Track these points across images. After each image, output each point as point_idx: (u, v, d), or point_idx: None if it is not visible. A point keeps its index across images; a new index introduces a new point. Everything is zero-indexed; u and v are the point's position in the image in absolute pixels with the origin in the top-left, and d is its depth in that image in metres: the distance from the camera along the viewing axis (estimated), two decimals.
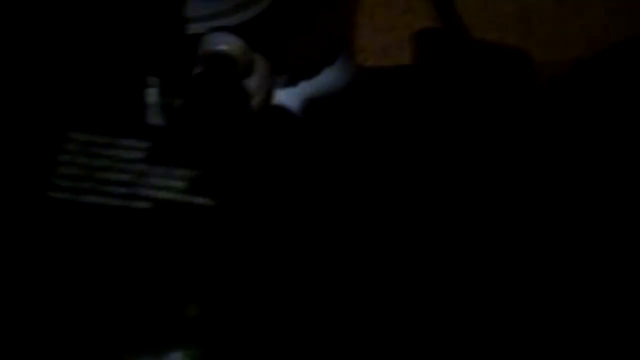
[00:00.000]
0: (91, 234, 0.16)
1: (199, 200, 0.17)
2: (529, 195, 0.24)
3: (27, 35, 0.18)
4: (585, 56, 0.33)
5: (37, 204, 0.16)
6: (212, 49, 0.24)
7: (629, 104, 0.28)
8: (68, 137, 0.17)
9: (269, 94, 0.27)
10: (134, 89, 0.20)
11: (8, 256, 0.16)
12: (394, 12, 0.41)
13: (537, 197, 0.24)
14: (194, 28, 0.32)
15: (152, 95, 0.32)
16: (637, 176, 0.26)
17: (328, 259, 0.17)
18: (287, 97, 0.37)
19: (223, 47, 0.24)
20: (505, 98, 0.27)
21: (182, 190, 0.17)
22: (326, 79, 0.36)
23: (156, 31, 0.27)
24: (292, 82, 0.36)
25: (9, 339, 0.15)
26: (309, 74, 0.36)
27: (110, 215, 0.16)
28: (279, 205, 0.18)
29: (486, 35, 0.39)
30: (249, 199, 0.18)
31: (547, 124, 0.27)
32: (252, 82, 0.26)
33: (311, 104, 0.36)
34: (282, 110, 0.33)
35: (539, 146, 0.26)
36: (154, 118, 0.31)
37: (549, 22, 0.41)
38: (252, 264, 0.17)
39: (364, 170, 0.21)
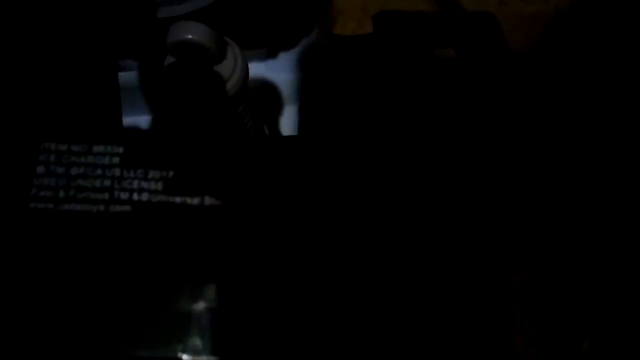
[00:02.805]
0: (74, 240, 0.17)
1: (177, 199, 0.17)
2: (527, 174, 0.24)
3: None
4: (564, 6, 0.32)
5: (18, 215, 0.17)
6: (179, 38, 0.24)
7: (611, 50, 0.28)
8: (42, 148, 0.17)
9: (243, 77, 0.26)
10: (104, 93, 0.20)
11: None
12: None
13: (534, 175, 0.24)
14: (165, 12, 0.31)
15: (124, 78, 0.32)
16: (628, 125, 0.26)
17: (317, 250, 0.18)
18: (267, 69, 0.36)
19: (189, 36, 0.24)
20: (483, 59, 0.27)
21: (160, 191, 0.17)
22: (305, 48, 0.35)
23: (125, 17, 0.27)
24: (271, 54, 0.36)
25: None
26: (288, 45, 0.35)
27: (92, 221, 0.17)
28: (259, 195, 0.18)
29: None
30: (230, 192, 0.18)
31: (533, 79, 0.27)
32: (225, 67, 0.26)
33: (291, 74, 0.35)
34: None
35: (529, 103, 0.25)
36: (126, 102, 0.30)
37: None
38: (240, 259, 0.17)
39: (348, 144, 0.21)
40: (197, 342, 0.16)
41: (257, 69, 0.33)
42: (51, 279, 0.16)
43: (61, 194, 0.17)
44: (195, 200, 0.17)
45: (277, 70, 0.35)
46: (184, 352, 0.16)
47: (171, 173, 0.18)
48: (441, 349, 0.18)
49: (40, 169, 0.17)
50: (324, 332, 0.17)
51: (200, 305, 0.16)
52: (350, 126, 0.26)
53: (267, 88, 0.35)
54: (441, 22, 0.25)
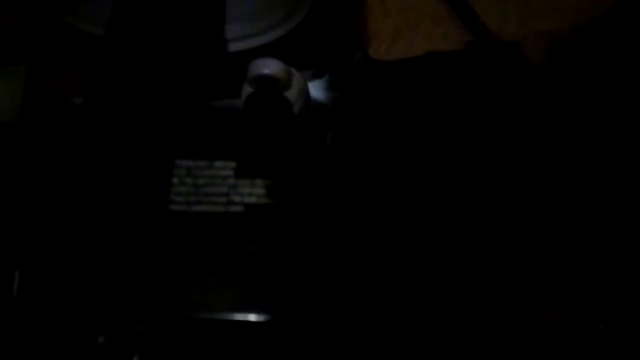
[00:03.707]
0: (203, 233, 0.23)
1: (277, 201, 0.23)
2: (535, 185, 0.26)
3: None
4: (581, 23, 0.34)
5: (161, 215, 0.23)
6: (258, 73, 0.30)
7: (625, 68, 0.30)
8: (177, 164, 0.23)
9: (306, 100, 0.32)
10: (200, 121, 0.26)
11: (142, 259, 0.22)
12: None
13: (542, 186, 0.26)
14: (235, 47, 0.37)
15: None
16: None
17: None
18: (313, 90, 0.41)
19: (267, 71, 0.29)
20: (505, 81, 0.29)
21: (263, 195, 0.23)
22: (349, 70, 0.40)
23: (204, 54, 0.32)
24: (317, 76, 0.41)
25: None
26: (333, 67, 0.40)
27: (215, 219, 0.23)
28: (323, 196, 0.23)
29: (487, 6, 0.42)
30: (305, 194, 0.24)
31: (546, 98, 0.29)
32: (292, 94, 0.31)
33: (336, 94, 0.40)
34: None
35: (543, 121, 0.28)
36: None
37: None
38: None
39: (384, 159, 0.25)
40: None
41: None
42: (188, 264, 0.22)
43: (192, 199, 0.23)
44: (289, 201, 0.23)
45: (322, 90, 0.40)
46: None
47: (271, 181, 0.23)
48: (482, 333, 0.22)
49: (175, 181, 0.23)
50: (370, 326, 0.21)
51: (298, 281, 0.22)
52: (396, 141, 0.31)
53: (316, 106, 0.40)
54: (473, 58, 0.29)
